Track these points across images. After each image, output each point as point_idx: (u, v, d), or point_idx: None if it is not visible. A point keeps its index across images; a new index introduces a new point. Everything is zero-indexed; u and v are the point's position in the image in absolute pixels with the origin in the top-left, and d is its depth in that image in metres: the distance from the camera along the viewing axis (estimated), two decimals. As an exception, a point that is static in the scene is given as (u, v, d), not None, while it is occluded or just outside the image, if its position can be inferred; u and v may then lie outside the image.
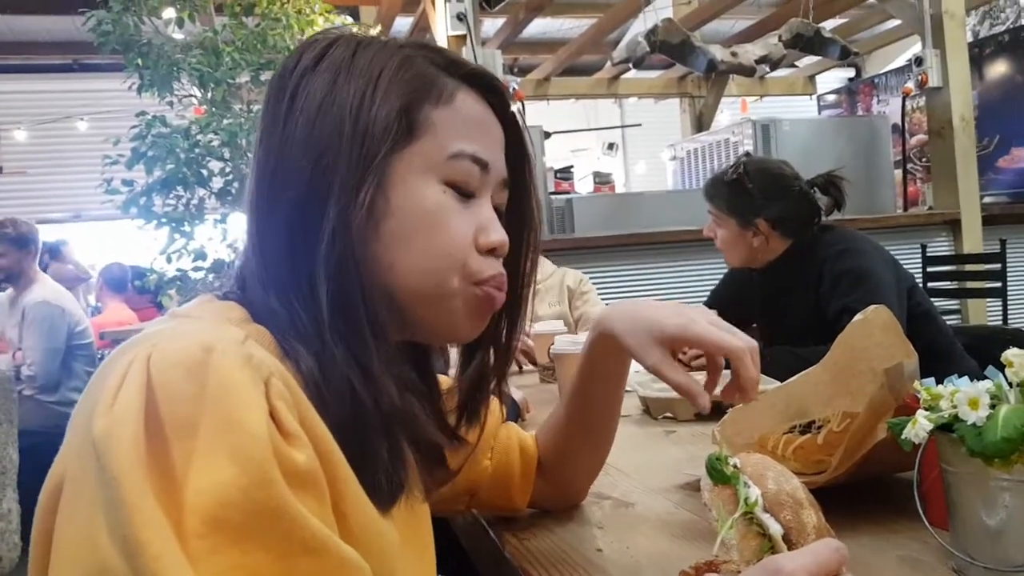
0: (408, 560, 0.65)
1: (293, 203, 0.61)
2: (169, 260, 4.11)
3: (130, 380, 0.48)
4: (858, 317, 0.99)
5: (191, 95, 4.14)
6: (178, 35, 4.08)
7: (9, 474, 2.47)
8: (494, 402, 0.86)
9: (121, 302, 5.01)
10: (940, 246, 4.46)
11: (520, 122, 0.73)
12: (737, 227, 2.04)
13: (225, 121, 3.95)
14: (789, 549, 0.57)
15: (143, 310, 5.01)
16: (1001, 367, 0.71)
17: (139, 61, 3.95)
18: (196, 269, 4.08)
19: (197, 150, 3.96)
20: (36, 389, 3.53)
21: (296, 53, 0.66)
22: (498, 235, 0.68)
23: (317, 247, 0.59)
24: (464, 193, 0.66)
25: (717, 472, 0.61)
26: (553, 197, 4.66)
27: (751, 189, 2.01)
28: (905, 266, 2.09)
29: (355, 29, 4.54)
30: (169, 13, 3.99)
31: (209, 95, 4.00)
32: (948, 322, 2.20)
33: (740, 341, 0.79)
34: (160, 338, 0.51)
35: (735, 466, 0.61)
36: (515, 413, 1.02)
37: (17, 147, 8.28)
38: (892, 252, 2.08)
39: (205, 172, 3.99)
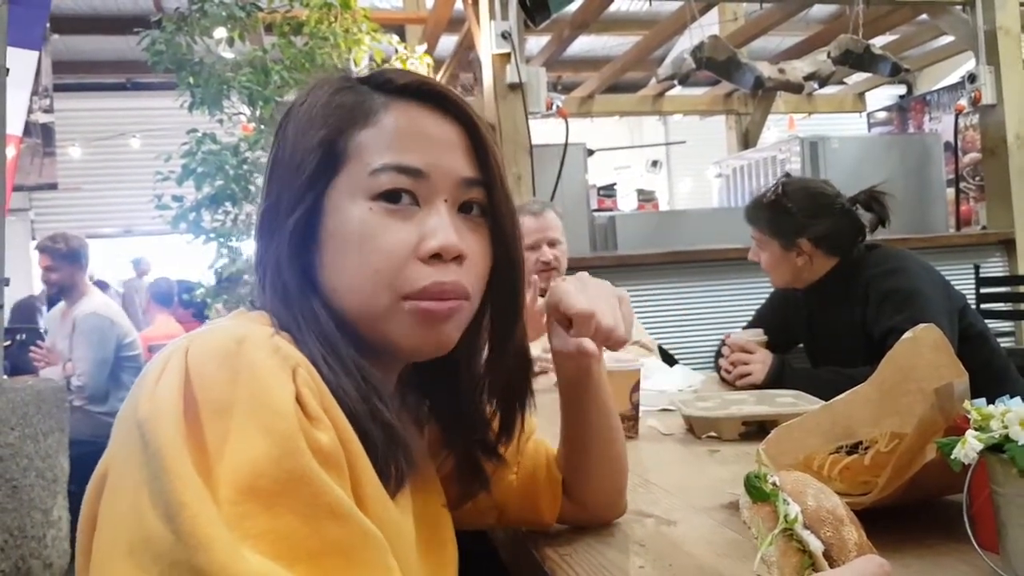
0: (423, 557, 0.67)
1: (261, 226, 0.69)
2: (217, 275, 4.18)
3: (170, 369, 0.53)
4: (907, 335, 0.97)
5: (240, 113, 4.22)
6: (228, 54, 4.17)
7: (60, 482, 2.52)
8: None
9: (168, 315, 5.12)
10: (994, 266, 4.34)
11: (475, 119, 0.71)
12: (780, 249, 2.02)
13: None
14: (831, 566, 0.55)
15: (189, 323, 5.11)
16: (1056, 387, 0.69)
17: (191, 79, 4.04)
18: (243, 283, 4.14)
19: (245, 166, 4.04)
20: (85, 399, 3.61)
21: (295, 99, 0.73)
22: (441, 239, 0.66)
23: (282, 273, 0.66)
24: (398, 204, 0.66)
25: (756, 489, 0.60)
26: (596, 214, 4.65)
27: (791, 209, 1.99)
28: (958, 287, 2.04)
29: (401, 48, 4.60)
30: (220, 33, 4.09)
31: (258, 113, 4.08)
32: (1002, 344, 2.14)
33: (587, 304, 0.81)
34: (197, 335, 0.56)
35: (774, 483, 0.60)
36: None
37: (72, 164, 8.54)
38: (944, 272, 2.03)
39: (253, 188, 4.07)
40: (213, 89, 4.05)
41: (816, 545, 0.56)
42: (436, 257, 0.66)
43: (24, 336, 4.66)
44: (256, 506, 0.48)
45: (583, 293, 0.82)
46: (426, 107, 0.69)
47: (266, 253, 0.68)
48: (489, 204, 0.72)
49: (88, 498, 0.55)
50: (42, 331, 4.22)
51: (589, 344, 0.82)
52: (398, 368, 0.76)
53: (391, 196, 0.66)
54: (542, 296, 2.53)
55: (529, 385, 0.81)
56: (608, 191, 5.60)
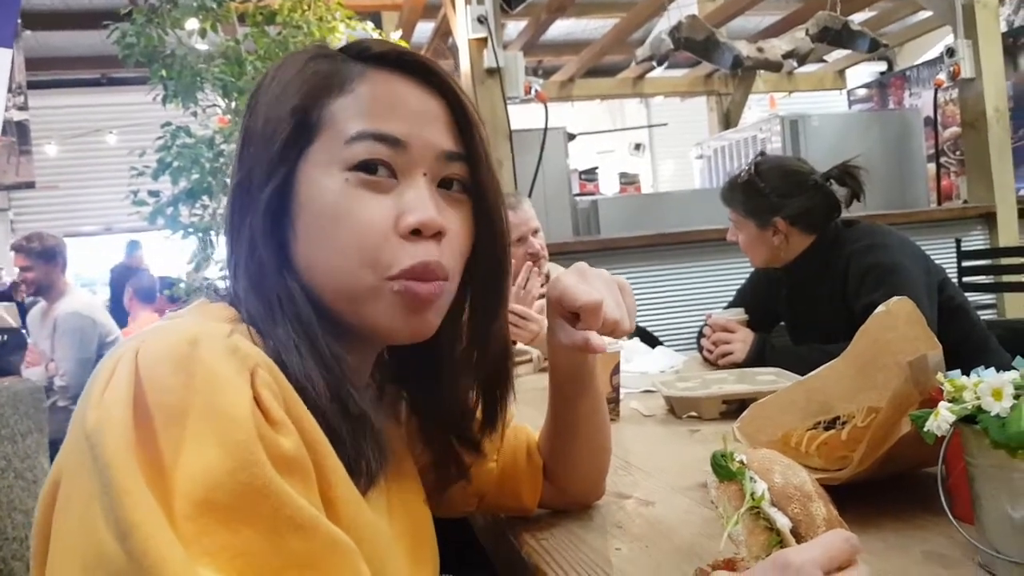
0: (398, 554, 0.64)
1: (237, 207, 0.65)
2: (197, 269, 4.14)
3: (119, 374, 0.50)
4: (880, 309, 0.96)
5: (215, 105, 4.17)
6: (201, 46, 4.11)
7: (40, 483, 2.51)
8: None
9: (151, 312, 5.08)
10: (975, 240, 4.36)
11: (458, 92, 0.68)
12: (756, 229, 2.01)
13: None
14: (798, 543, 0.55)
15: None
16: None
17: (163, 72, 3.98)
18: (224, 278, 4.10)
19: (221, 159, 3.98)
20: (69, 400, 3.58)
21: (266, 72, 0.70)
22: (420, 214, 0.63)
23: (254, 250, 0.63)
24: (374, 175, 0.63)
25: (722, 468, 0.59)
26: (578, 199, 4.63)
27: (764, 189, 1.98)
28: (939, 261, 2.04)
29: (376, 35, 4.57)
30: (192, 24, 4.03)
31: (232, 104, 4.03)
32: (984, 317, 2.14)
33: (595, 294, 0.77)
34: (148, 336, 0.53)
35: (741, 462, 0.59)
36: None
37: (49, 162, 8.44)
38: (926, 247, 2.03)
39: (229, 181, 4.02)
40: (186, 81, 4.00)
41: (783, 522, 0.55)
42: (415, 233, 0.63)
43: (6, 337, 4.61)
44: (213, 521, 0.46)
45: (586, 284, 0.79)
46: (406, 77, 0.66)
47: (239, 232, 0.64)
48: (472, 181, 0.69)
49: (41, 506, 0.52)
50: (23, 331, 4.17)
51: (597, 338, 0.79)
52: (374, 354, 0.74)
53: (367, 167, 0.63)
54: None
55: (511, 373, 0.79)
56: (590, 175, 5.58)
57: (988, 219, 4.35)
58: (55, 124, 8.58)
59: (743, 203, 2.03)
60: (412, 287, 0.63)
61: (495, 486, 0.91)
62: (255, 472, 0.47)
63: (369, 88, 0.64)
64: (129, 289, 5.25)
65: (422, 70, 0.67)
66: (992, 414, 0.67)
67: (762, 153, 2.16)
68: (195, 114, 4.12)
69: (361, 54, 0.67)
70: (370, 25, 4.65)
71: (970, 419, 0.70)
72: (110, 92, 8.67)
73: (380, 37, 4.42)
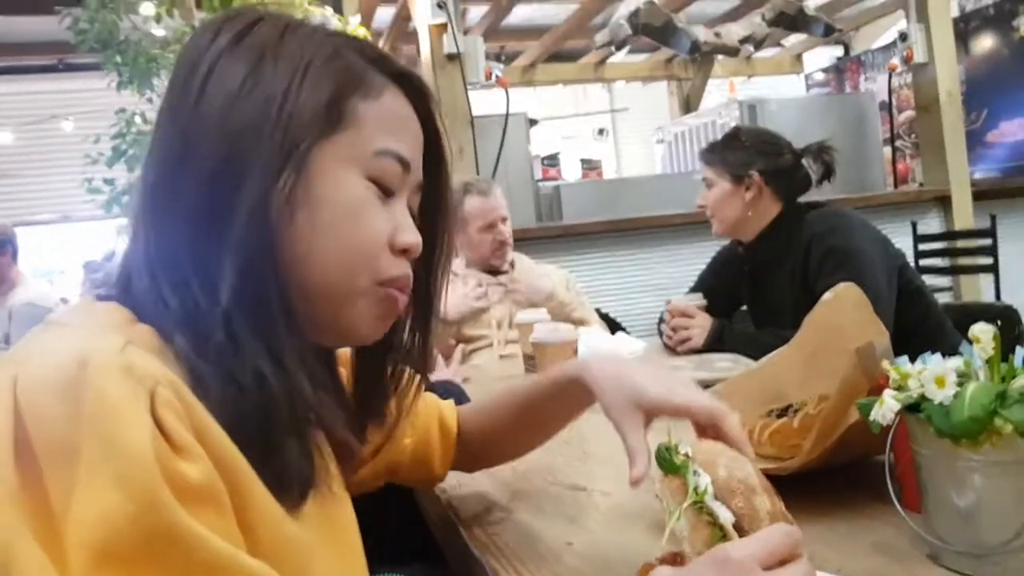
0: (326, 559, 0.62)
1: (202, 186, 0.57)
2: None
3: None
4: (827, 295, 0.97)
5: (171, 91, 4.08)
6: (157, 31, 4.02)
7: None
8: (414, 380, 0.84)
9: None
10: (931, 223, 4.44)
11: (439, 126, 0.73)
12: (730, 183, 2.04)
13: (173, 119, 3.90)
14: (741, 537, 0.54)
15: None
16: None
17: (118, 58, 3.90)
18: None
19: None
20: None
21: (212, 27, 0.63)
22: (413, 236, 0.67)
23: (229, 232, 0.56)
24: (385, 191, 0.65)
25: (666, 462, 0.59)
26: (540, 184, 4.63)
27: (745, 143, 2.05)
28: (896, 244, 2.07)
29: (336, 21, 4.51)
30: (147, 9, 3.93)
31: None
32: (940, 299, 2.18)
33: (720, 404, 0.74)
34: (26, 356, 0.47)
35: (686, 455, 0.59)
36: (465, 399, 1.01)
37: (4, 150, 8.22)
38: (882, 230, 2.06)
39: (154, 151, 3.94)
40: (141, 68, 3.91)
41: (726, 517, 0.55)
42: (403, 251, 0.66)
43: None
44: (116, 571, 0.42)
45: (658, 384, 0.76)
46: (409, 100, 0.69)
47: (173, 212, 0.57)
48: (425, 209, 0.73)
49: None
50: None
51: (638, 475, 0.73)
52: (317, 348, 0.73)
53: (386, 182, 0.65)
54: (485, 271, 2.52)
55: (424, 373, 0.80)
56: (552, 161, 5.58)
57: (943, 202, 4.42)
58: (10, 111, 8.35)
59: (722, 156, 2.07)
60: (394, 295, 0.66)
61: (408, 460, 0.92)
62: (160, 515, 0.43)
63: (391, 103, 0.66)
64: (85, 275, 5.14)
65: (423, 98, 0.70)
66: (936, 402, 0.67)
67: (738, 127, 2.21)
68: (151, 100, 4.03)
69: (380, 63, 0.67)
70: (330, 10, 4.58)
71: (915, 407, 0.70)
72: (66, 78, 8.44)
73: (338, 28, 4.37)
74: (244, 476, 0.51)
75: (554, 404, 0.90)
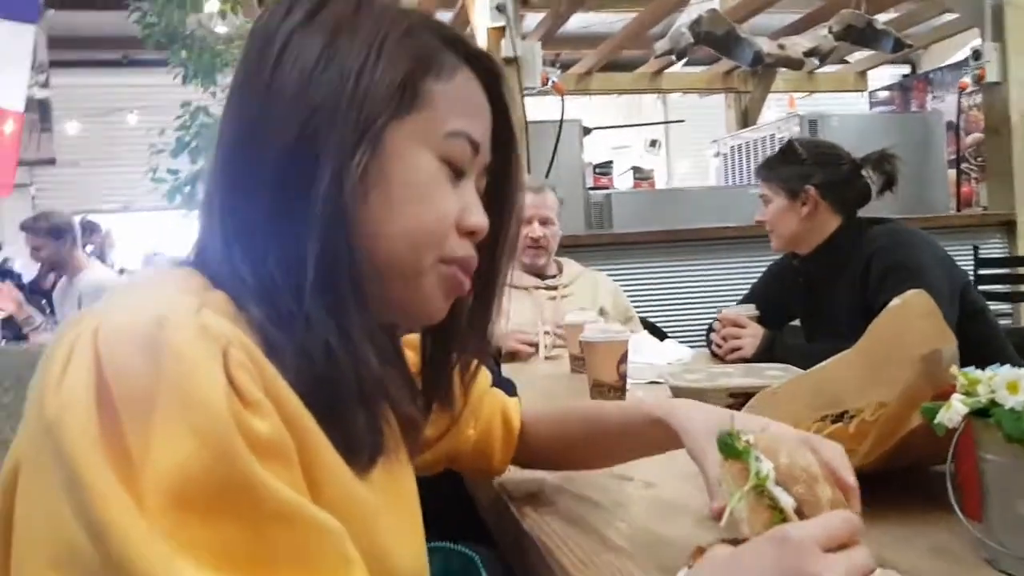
0: (389, 524, 0.63)
1: (277, 161, 0.58)
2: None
3: (78, 357, 0.47)
4: (895, 302, 0.94)
5: (234, 86, 4.19)
6: (221, 28, 4.13)
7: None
8: (482, 372, 0.88)
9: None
10: (994, 248, 4.32)
11: (510, 109, 0.73)
12: (786, 199, 2.01)
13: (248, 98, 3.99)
14: None
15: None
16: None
17: (183, 53, 4.01)
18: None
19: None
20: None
21: (285, 3, 0.63)
22: (480, 218, 0.67)
23: (303, 208, 0.57)
24: (456, 172, 0.66)
25: (728, 447, 0.58)
26: (591, 192, 4.61)
27: (801, 155, 2.01)
28: (958, 266, 2.02)
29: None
30: (212, 6, 4.04)
31: (252, 86, 4.05)
32: (1001, 324, 2.12)
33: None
34: (108, 311, 0.49)
35: (747, 441, 0.58)
36: (513, 390, 1.02)
37: (69, 140, 8.50)
38: (944, 252, 2.01)
39: (230, 126, 4.03)
40: (205, 63, 4.02)
41: (787, 501, 0.54)
42: (470, 233, 0.67)
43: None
44: (190, 515, 0.44)
45: (751, 423, 0.73)
46: (482, 83, 0.69)
47: (255, 185, 0.58)
48: (492, 194, 0.72)
49: (1, 491, 0.49)
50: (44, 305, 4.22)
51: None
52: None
53: (457, 163, 0.66)
54: (527, 272, 2.52)
55: (482, 356, 0.81)
56: (604, 169, 5.55)
57: (1008, 227, 4.29)
58: (77, 103, 8.63)
59: (777, 172, 2.04)
60: (458, 275, 0.66)
61: (470, 451, 0.93)
62: (233, 464, 0.45)
63: (464, 84, 0.67)
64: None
65: (497, 81, 0.70)
66: (1007, 408, 0.65)
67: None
68: (214, 94, 4.14)
69: (454, 43, 0.67)
70: (391, 11, 4.64)
71: (983, 413, 0.68)
72: (131, 72, 8.69)
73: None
74: (312, 435, 0.53)
75: (629, 439, 0.90)
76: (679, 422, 0.80)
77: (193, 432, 0.45)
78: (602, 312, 2.39)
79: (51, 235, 3.75)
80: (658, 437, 0.83)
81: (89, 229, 8.14)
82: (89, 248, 7.93)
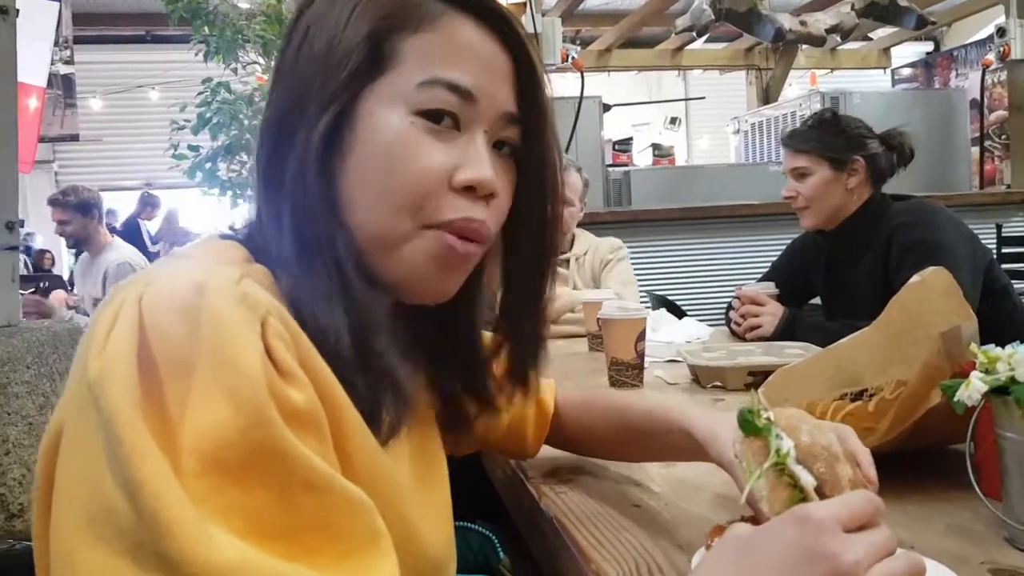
0: (417, 499, 0.64)
1: (276, 133, 0.61)
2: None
3: (122, 321, 0.48)
4: (915, 279, 0.94)
5: (255, 62, 4.19)
6: (243, 4, 4.13)
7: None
8: None
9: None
10: (1017, 226, 4.27)
11: (530, 51, 0.66)
12: (831, 171, 1.95)
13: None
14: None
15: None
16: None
17: (205, 29, 4.01)
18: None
19: (260, 117, 4.02)
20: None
21: None
22: (474, 172, 0.61)
23: (284, 179, 0.59)
24: (439, 124, 0.61)
25: (748, 423, 0.58)
26: (611, 169, 4.60)
27: (846, 126, 1.97)
28: (980, 244, 2.00)
29: None
30: (235, -19, 4.05)
31: (272, 63, 4.05)
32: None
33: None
34: (152, 278, 0.50)
35: (768, 418, 0.58)
36: None
37: (93, 116, 8.56)
38: (965, 231, 1.99)
39: (265, 110, 4.05)
40: (228, 39, 4.03)
41: (808, 480, 0.54)
42: (468, 190, 0.61)
43: (48, 284, 4.71)
44: (223, 479, 0.44)
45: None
46: (482, 26, 0.63)
47: (272, 164, 0.60)
48: (524, 147, 0.67)
49: (43, 453, 0.51)
50: (65, 280, 4.27)
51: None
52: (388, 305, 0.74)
53: (434, 115, 0.60)
54: None
55: (544, 339, 0.76)
56: (624, 146, 5.53)
57: (1031, 205, 4.24)
58: (100, 79, 8.68)
59: (820, 141, 1.97)
60: (449, 241, 0.61)
61: (502, 434, 0.91)
62: (267, 431, 0.45)
63: (447, 31, 0.62)
64: (165, 248, 5.33)
65: (500, 21, 0.64)
66: (1026, 385, 0.66)
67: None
68: (235, 71, 4.15)
69: None
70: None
71: (1002, 391, 0.69)
72: (154, 49, 8.73)
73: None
74: (343, 408, 0.53)
75: (654, 440, 0.87)
76: (702, 434, 0.77)
77: (229, 397, 0.45)
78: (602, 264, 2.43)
79: (78, 210, 3.75)
80: (681, 445, 0.81)
81: (150, 204, 8.25)
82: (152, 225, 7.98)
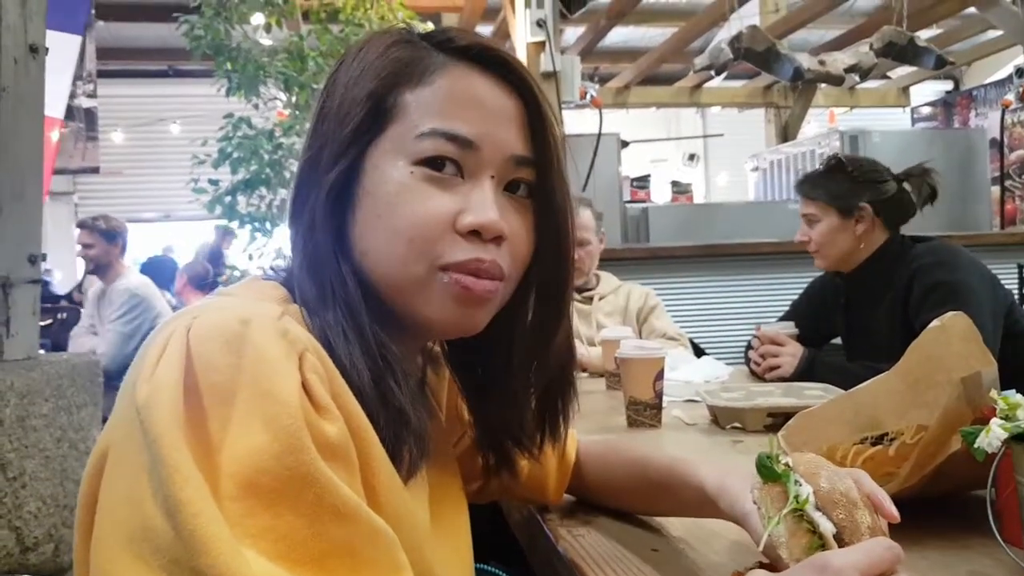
0: (437, 541, 0.65)
1: (299, 183, 0.66)
2: (251, 259, 4.24)
3: (170, 350, 0.51)
4: (934, 324, 0.94)
5: (276, 98, 4.26)
6: (266, 40, 4.21)
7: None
8: None
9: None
10: (1038, 266, 4.23)
11: (536, 92, 0.67)
12: (838, 217, 1.96)
13: (308, 125, 4.06)
14: (841, 548, 0.54)
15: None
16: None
17: (228, 65, 4.08)
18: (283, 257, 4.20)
19: (280, 152, 4.08)
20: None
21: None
22: (477, 216, 0.62)
23: (302, 229, 0.64)
24: (441, 171, 0.63)
25: (767, 469, 0.58)
26: (629, 206, 4.62)
27: (853, 173, 1.97)
28: (1001, 286, 1.99)
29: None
30: (258, 19, 4.13)
31: (293, 99, 4.12)
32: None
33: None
34: (200, 312, 0.53)
35: (786, 464, 0.58)
36: None
37: (114, 149, 8.70)
38: (985, 271, 1.98)
39: (287, 174, 4.11)
40: (250, 74, 4.10)
41: (827, 527, 0.54)
42: (474, 234, 0.63)
43: (65, 316, 4.77)
44: (257, 504, 0.46)
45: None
46: (486, 74, 0.65)
47: (301, 210, 0.65)
48: (540, 186, 0.68)
49: (88, 475, 0.53)
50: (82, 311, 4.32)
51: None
52: (422, 343, 0.75)
53: (434, 163, 0.62)
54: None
55: (574, 381, 0.77)
56: (642, 182, 5.56)
57: (1053, 245, 4.21)
58: (122, 112, 8.84)
59: (826, 189, 1.99)
60: (463, 281, 0.62)
61: (522, 482, 0.90)
62: (301, 458, 0.48)
63: (448, 83, 0.64)
64: (183, 276, 5.37)
65: (503, 67, 0.66)
66: (1047, 433, 0.65)
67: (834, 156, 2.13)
68: (257, 107, 4.21)
69: (444, 44, 0.66)
70: (431, 26, 4.70)
71: (1022, 438, 0.68)
72: (176, 83, 8.91)
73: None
74: (371, 444, 0.55)
75: (673, 498, 0.85)
76: (712, 490, 0.76)
77: (267, 426, 0.48)
78: (637, 313, 2.41)
79: (105, 236, 3.86)
80: (694, 501, 0.79)
81: (230, 234, 8.36)
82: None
